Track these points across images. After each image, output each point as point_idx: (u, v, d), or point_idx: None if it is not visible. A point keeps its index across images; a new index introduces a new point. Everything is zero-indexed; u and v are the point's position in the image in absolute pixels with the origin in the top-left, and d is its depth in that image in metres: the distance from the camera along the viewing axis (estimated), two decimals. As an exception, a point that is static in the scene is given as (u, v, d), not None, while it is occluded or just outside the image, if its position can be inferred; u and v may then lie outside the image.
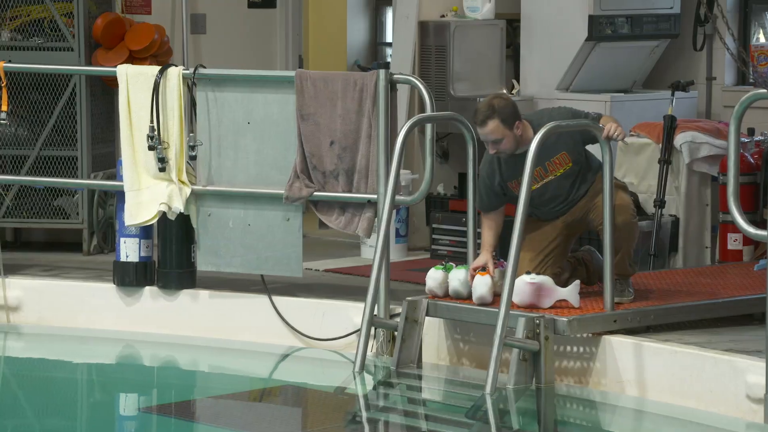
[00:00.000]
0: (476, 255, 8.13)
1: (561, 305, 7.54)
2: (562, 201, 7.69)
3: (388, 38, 11.90)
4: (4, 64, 8.87)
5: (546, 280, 7.54)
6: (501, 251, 8.84)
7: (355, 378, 7.70)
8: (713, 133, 9.11)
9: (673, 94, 9.29)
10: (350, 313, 8.20)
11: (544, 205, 7.70)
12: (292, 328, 8.40)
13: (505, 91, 9.80)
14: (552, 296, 7.52)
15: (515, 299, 7.44)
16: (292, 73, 8.44)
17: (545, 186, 7.64)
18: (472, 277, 7.62)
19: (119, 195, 8.68)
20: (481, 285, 7.58)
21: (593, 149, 7.75)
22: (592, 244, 8.27)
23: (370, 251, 8.89)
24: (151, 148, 8.47)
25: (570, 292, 7.55)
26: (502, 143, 7.53)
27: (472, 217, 8.06)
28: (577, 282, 7.59)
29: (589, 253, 7.96)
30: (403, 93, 9.33)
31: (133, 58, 9.53)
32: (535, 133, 7.42)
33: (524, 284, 7.49)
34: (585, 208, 7.68)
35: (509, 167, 7.63)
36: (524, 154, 7.37)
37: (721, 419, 7.04)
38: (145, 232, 8.66)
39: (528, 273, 7.53)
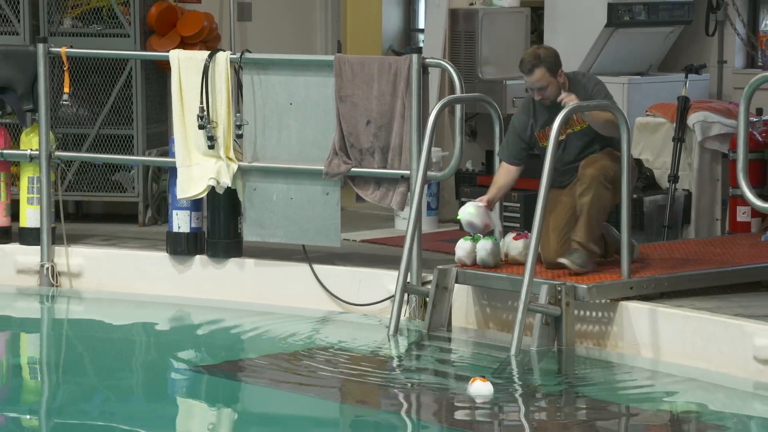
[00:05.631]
0: (504, 229, 8.11)
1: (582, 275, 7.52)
2: (575, 160, 7.62)
3: (421, 25, 11.85)
4: (66, 50, 8.87)
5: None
6: (525, 224, 8.81)
7: (389, 340, 7.70)
8: (724, 113, 9.04)
9: (686, 77, 9.23)
10: (385, 281, 8.19)
11: (564, 165, 7.62)
12: (331, 294, 8.39)
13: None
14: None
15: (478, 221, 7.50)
16: (331, 58, 8.41)
17: (566, 140, 7.58)
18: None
19: (172, 170, 8.67)
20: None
21: None
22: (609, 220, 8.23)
23: (404, 223, 8.86)
24: (200, 127, 8.45)
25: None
26: (547, 90, 7.50)
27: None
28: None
29: (605, 229, 7.90)
30: (434, 76, 9.28)
31: (185, 44, 9.52)
32: (571, 87, 7.42)
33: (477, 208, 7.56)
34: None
35: (543, 115, 7.58)
36: (558, 107, 7.36)
37: (730, 379, 7.00)
38: (195, 204, 8.66)
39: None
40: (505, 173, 7.72)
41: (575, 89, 7.50)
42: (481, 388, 6.71)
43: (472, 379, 6.76)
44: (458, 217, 7.63)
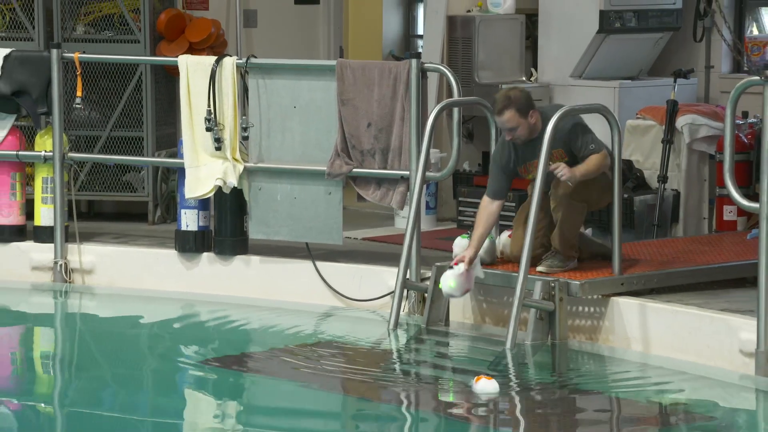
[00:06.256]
0: (500, 227, 8.13)
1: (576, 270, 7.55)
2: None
3: (420, 31, 11.88)
4: (79, 55, 8.91)
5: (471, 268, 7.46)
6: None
7: (389, 334, 7.74)
8: (711, 115, 9.08)
9: (675, 81, 9.27)
10: (385, 277, 8.22)
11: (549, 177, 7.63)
12: (333, 290, 8.43)
13: (523, 79, 9.78)
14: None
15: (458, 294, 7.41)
16: (333, 62, 8.44)
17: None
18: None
19: (180, 171, 8.71)
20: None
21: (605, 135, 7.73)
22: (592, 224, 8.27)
23: (403, 222, 8.89)
24: (208, 129, 8.49)
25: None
26: (517, 130, 7.48)
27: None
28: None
29: (582, 237, 7.86)
30: (432, 80, 9.32)
31: (193, 49, 9.55)
32: (545, 123, 7.41)
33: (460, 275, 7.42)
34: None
35: (522, 151, 7.57)
36: (536, 140, 7.37)
37: (716, 372, 7.03)
38: (203, 204, 8.69)
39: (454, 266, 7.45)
40: (486, 215, 7.53)
41: (546, 126, 7.37)
42: (486, 386, 6.65)
43: (476, 377, 6.72)
44: (439, 286, 7.54)
